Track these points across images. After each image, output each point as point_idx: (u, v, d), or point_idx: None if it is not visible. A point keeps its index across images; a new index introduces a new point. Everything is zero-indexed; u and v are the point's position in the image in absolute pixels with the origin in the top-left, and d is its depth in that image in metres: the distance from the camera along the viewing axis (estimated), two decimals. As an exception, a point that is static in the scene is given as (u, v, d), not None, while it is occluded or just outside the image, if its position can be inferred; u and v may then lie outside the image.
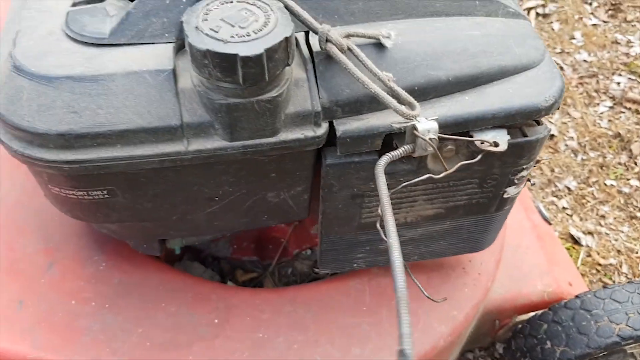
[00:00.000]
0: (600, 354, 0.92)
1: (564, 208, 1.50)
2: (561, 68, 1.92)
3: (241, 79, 0.52)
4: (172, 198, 0.66)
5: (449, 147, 0.68)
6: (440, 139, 0.63)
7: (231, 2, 0.56)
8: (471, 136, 0.67)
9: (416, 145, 0.62)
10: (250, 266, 1.02)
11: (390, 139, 0.66)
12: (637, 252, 1.40)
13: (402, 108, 0.58)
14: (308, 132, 0.61)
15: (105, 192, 0.63)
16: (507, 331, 1.08)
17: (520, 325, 1.03)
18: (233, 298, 0.83)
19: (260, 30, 0.53)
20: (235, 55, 0.50)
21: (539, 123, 0.73)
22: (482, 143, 0.66)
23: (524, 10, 2.16)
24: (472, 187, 0.75)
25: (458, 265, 0.97)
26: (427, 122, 0.61)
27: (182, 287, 0.82)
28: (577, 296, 0.97)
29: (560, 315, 0.95)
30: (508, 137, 0.67)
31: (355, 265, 0.86)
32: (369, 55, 0.62)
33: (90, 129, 0.56)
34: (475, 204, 0.78)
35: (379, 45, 0.63)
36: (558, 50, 1.99)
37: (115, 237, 0.79)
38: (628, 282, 0.97)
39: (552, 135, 1.69)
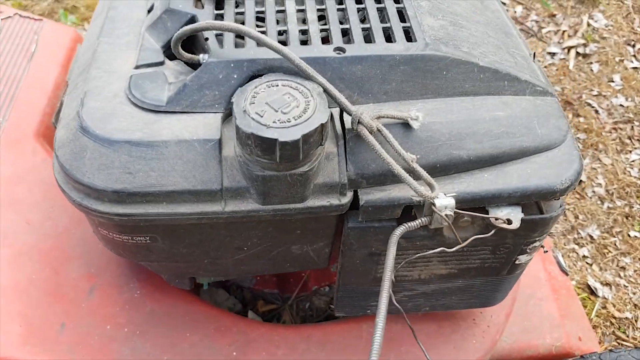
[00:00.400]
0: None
1: (584, 257, 1.52)
2: (596, 112, 1.92)
3: (278, 158, 0.58)
4: (205, 246, 0.73)
5: (465, 218, 0.72)
6: (456, 213, 0.68)
7: (277, 85, 0.62)
8: (487, 212, 0.71)
9: (433, 219, 0.68)
10: (271, 298, 1.08)
11: (409, 207, 0.71)
12: (654, 308, 1.42)
13: (421, 189, 0.63)
14: (334, 201, 0.67)
15: (147, 238, 0.70)
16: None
17: (525, 377, 1.06)
18: (252, 332, 0.90)
19: (300, 116, 0.59)
20: (275, 140, 0.56)
21: (557, 199, 0.77)
22: (496, 220, 0.70)
23: (564, 48, 2.17)
24: (485, 253, 0.79)
25: (469, 316, 1.01)
26: (445, 198, 0.66)
27: (206, 318, 0.89)
28: (582, 356, 0.99)
29: (566, 374, 0.98)
30: (522, 215, 0.71)
31: (368, 311, 0.91)
32: (397, 133, 0.67)
33: (141, 188, 0.62)
34: (488, 267, 0.82)
35: (407, 125, 0.68)
36: (595, 92, 1.99)
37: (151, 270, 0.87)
38: (635, 347, 0.99)
39: (581, 181, 1.71)
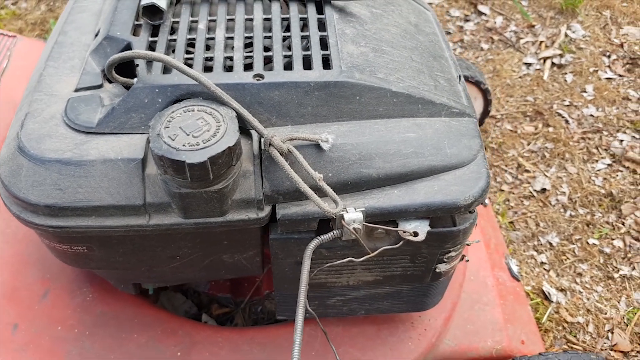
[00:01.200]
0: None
1: (542, 263, 1.57)
2: (566, 121, 1.96)
3: (189, 178, 0.65)
4: (140, 255, 0.79)
5: (380, 230, 0.78)
6: (367, 226, 0.74)
7: (193, 110, 0.69)
8: (396, 224, 0.77)
9: (343, 231, 0.74)
10: (225, 302, 1.15)
11: (328, 220, 0.77)
12: (605, 314, 1.46)
13: (324, 205, 0.69)
14: (251, 215, 0.73)
15: (84, 247, 0.77)
16: (455, 381, 1.16)
17: (463, 378, 1.12)
18: (197, 334, 0.96)
19: (209, 140, 0.65)
20: (184, 162, 0.63)
21: (471, 212, 0.82)
22: (403, 232, 0.76)
23: (540, 59, 2.21)
24: (405, 261, 0.85)
25: (408, 320, 1.07)
26: (353, 213, 0.72)
27: (153, 321, 0.95)
28: (512, 359, 1.05)
29: (496, 376, 1.04)
30: (428, 228, 0.77)
31: (307, 315, 0.97)
32: (310, 154, 0.73)
33: (71, 203, 0.69)
34: (410, 274, 0.88)
35: (319, 147, 0.74)
36: (567, 103, 2.03)
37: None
38: (563, 351, 1.05)
39: (544, 189, 1.75)
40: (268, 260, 0.90)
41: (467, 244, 0.89)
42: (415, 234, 0.76)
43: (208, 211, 0.71)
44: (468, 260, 1.05)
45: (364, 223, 0.73)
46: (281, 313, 0.96)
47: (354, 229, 0.72)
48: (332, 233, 0.74)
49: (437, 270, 0.87)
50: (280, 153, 0.70)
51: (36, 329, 0.90)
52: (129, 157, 0.70)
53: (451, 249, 0.83)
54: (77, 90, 0.78)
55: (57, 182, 0.69)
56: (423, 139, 0.78)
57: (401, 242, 0.77)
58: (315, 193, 0.70)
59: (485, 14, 2.42)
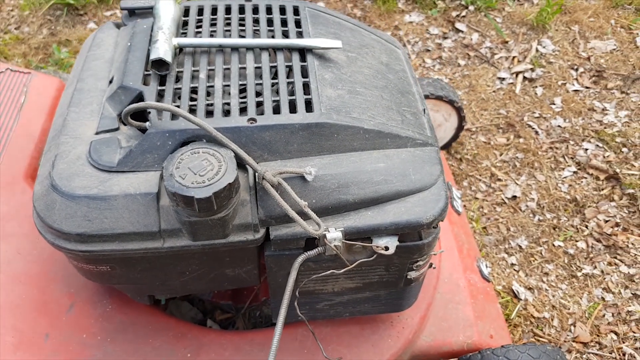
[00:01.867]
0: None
1: (512, 264, 1.72)
2: (536, 132, 2.12)
3: (197, 210, 0.79)
4: (155, 272, 0.94)
5: (357, 246, 0.93)
6: (346, 243, 0.89)
7: (198, 152, 0.83)
8: (370, 241, 0.92)
9: (326, 248, 0.88)
10: (227, 308, 1.29)
11: (314, 239, 0.91)
12: (569, 309, 1.61)
13: (309, 228, 0.84)
14: (249, 236, 0.87)
15: (108, 267, 0.91)
16: (432, 373, 1.31)
17: (438, 370, 1.27)
18: (204, 338, 1.10)
19: (213, 178, 0.79)
20: (192, 197, 0.77)
21: (434, 228, 0.97)
22: (376, 247, 0.91)
23: (513, 73, 2.37)
24: (381, 270, 1.00)
25: (388, 320, 1.21)
26: (334, 232, 0.87)
27: (166, 327, 1.09)
28: (479, 351, 1.20)
29: (465, 366, 1.19)
30: (397, 242, 0.92)
31: (299, 318, 1.12)
32: (296, 184, 0.88)
33: (98, 231, 0.83)
34: (386, 281, 1.03)
35: (304, 178, 0.88)
36: (537, 115, 2.19)
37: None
38: (524, 344, 1.20)
39: (515, 196, 1.91)
40: (264, 271, 1.04)
41: (433, 254, 1.04)
42: (387, 248, 0.91)
43: (213, 235, 0.85)
44: (435, 268, 1.19)
45: (343, 240, 0.87)
46: (277, 317, 1.10)
47: (334, 246, 0.87)
48: (316, 250, 0.89)
49: (408, 277, 1.02)
50: (271, 185, 0.85)
51: (65, 338, 1.03)
52: (146, 191, 0.84)
53: (419, 259, 0.98)
54: (97, 133, 0.92)
55: (86, 214, 0.83)
56: (391, 168, 0.93)
57: (375, 255, 0.92)
58: (301, 217, 0.84)
59: (462, 31, 2.58)
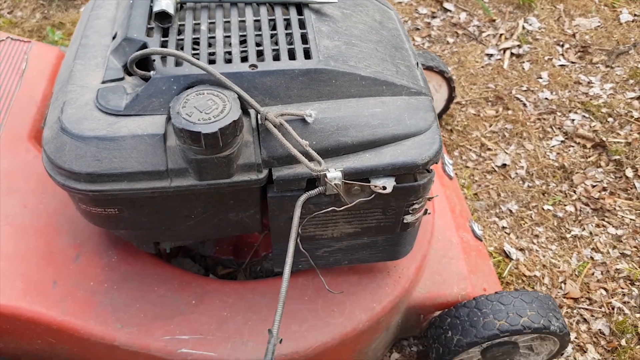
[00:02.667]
0: (486, 343, 1.20)
1: (503, 227, 1.77)
2: (524, 105, 2.18)
3: (204, 146, 0.83)
4: (161, 215, 0.97)
5: (355, 187, 0.97)
6: (345, 183, 0.93)
7: (203, 93, 0.87)
8: (369, 181, 0.96)
9: (327, 188, 0.92)
10: (228, 263, 1.33)
11: (314, 180, 0.95)
12: (559, 268, 1.67)
13: (311, 165, 0.88)
14: (252, 176, 0.91)
15: (115, 209, 0.94)
16: (428, 323, 1.36)
17: (434, 318, 1.31)
18: (208, 286, 1.14)
19: (218, 115, 0.83)
20: (199, 132, 0.81)
21: (428, 171, 1.02)
22: (375, 187, 0.95)
23: (500, 50, 2.42)
24: (378, 214, 1.04)
25: (385, 269, 1.26)
26: (334, 172, 0.91)
27: (170, 276, 1.13)
28: (474, 298, 1.25)
29: (460, 311, 1.23)
30: (394, 183, 0.96)
31: (300, 266, 1.16)
32: (297, 126, 0.92)
33: (107, 171, 0.87)
34: (383, 226, 1.07)
35: (304, 120, 0.92)
36: (524, 88, 2.25)
37: (123, 239, 1.11)
38: (516, 290, 1.25)
39: (505, 165, 1.96)
40: (265, 226, 1.08)
41: (429, 198, 1.08)
42: (384, 188, 0.95)
43: (218, 174, 0.89)
44: (429, 213, 1.23)
45: (343, 180, 0.92)
46: (278, 265, 1.14)
47: (335, 184, 0.91)
48: (317, 189, 0.92)
49: (405, 221, 1.07)
50: (274, 125, 0.88)
51: (72, 284, 1.07)
52: (153, 132, 0.88)
53: (414, 202, 1.02)
54: (103, 82, 0.95)
55: (96, 154, 0.87)
56: (387, 113, 0.97)
57: (373, 195, 0.96)
58: (303, 157, 0.88)
59: (450, 11, 2.63)
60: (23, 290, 1.04)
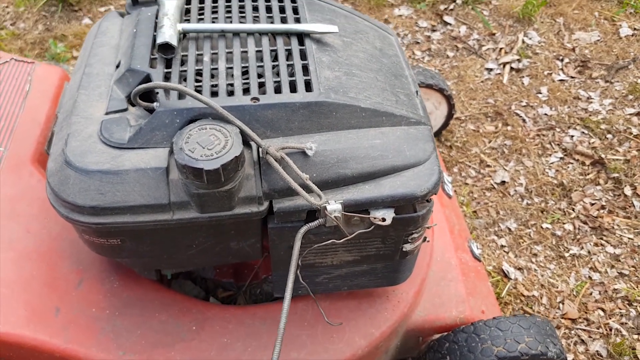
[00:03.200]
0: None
1: (502, 246, 1.78)
2: (523, 120, 2.19)
3: (206, 181, 0.84)
4: (162, 245, 0.98)
5: (355, 218, 0.98)
6: (345, 214, 0.94)
7: (205, 128, 0.88)
8: (368, 213, 0.97)
9: (327, 219, 0.93)
10: (228, 286, 1.34)
11: (314, 212, 0.96)
12: (557, 287, 1.68)
13: (311, 199, 0.89)
14: (254, 209, 0.92)
15: (118, 240, 0.95)
16: (427, 346, 1.37)
17: (433, 342, 1.32)
18: (208, 312, 1.15)
19: (220, 151, 0.84)
20: (202, 169, 0.82)
21: (428, 201, 1.03)
22: (374, 218, 0.96)
23: (500, 64, 2.44)
24: (377, 243, 1.05)
25: (384, 294, 1.27)
26: (334, 204, 0.92)
27: (171, 302, 1.14)
28: (472, 323, 1.26)
29: (458, 336, 1.24)
30: (393, 214, 0.97)
31: (300, 292, 1.17)
32: (298, 159, 0.93)
33: (110, 204, 0.88)
34: (382, 254, 1.08)
35: (305, 153, 0.93)
36: (524, 103, 2.26)
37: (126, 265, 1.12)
38: (514, 315, 1.26)
39: (504, 182, 1.97)
40: (265, 249, 1.09)
41: (428, 227, 1.09)
42: (384, 220, 0.96)
43: (220, 207, 0.90)
44: (429, 241, 1.25)
45: (343, 212, 0.93)
46: (278, 291, 1.15)
47: (334, 217, 0.92)
48: (318, 221, 0.94)
49: (404, 249, 1.08)
50: (275, 159, 0.90)
51: (75, 311, 1.08)
52: (156, 166, 0.89)
53: (413, 231, 1.03)
54: (107, 113, 0.96)
55: (99, 188, 0.88)
56: (387, 144, 0.98)
57: (373, 227, 0.97)
58: (303, 190, 0.89)
59: (450, 24, 2.65)
60: (26, 317, 1.05)
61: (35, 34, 2.55)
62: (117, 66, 1.05)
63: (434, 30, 2.62)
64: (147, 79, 0.98)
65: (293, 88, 0.97)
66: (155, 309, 1.12)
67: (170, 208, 0.89)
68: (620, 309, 1.62)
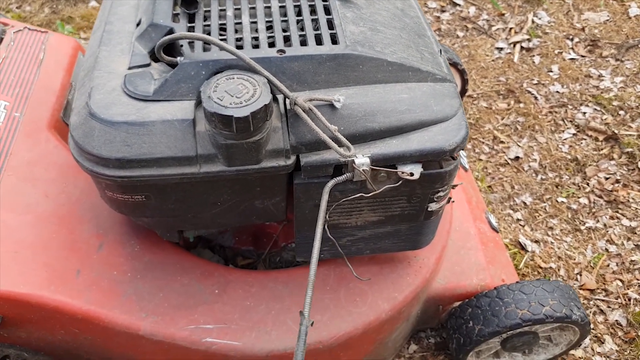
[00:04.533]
0: (508, 332, 1.20)
1: (518, 219, 1.77)
2: (535, 98, 2.18)
3: (235, 130, 0.82)
4: (188, 202, 0.97)
5: (382, 174, 0.96)
6: (373, 169, 0.92)
7: (233, 78, 0.86)
8: (396, 168, 0.96)
9: (354, 174, 0.92)
10: (248, 254, 1.32)
11: (340, 167, 0.95)
12: (574, 259, 1.66)
13: (341, 150, 0.88)
14: (281, 162, 0.91)
15: (143, 196, 0.94)
16: (448, 314, 1.36)
17: (454, 309, 1.31)
18: (230, 275, 1.14)
19: (249, 99, 0.83)
20: (231, 117, 0.80)
21: (454, 159, 1.01)
22: (402, 173, 0.95)
23: (510, 43, 2.42)
24: (403, 201, 1.04)
25: (405, 259, 1.25)
26: (362, 158, 0.90)
27: (193, 266, 1.12)
28: (495, 288, 1.24)
29: (481, 301, 1.23)
30: (421, 169, 0.95)
31: (322, 255, 1.15)
32: (325, 111, 0.91)
33: (137, 156, 0.86)
34: (407, 214, 1.07)
35: (333, 106, 0.92)
36: (535, 81, 2.24)
37: (147, 227, 1.10)
38: (537, 279, 1.24)
39: (518, 157, 1.96)
40: (290, 207, 1.08)
41: (453, 186, 1.08)
42: (412, 174, 0.94)
43: (247, 159, 0.88)
44: (454, 202, 1.23)
45: (371, 166, 0.91)
46: (300, 254, 1.14)
47: (362, 170, 0.90)
48: (345, 175, 0.92)
49: (429, 209, 1.06)
50: (303, 110, 0.88)
51: (96, 274, 1.06)
52: (183, 117, 0.87)
53: (439, 189, 1.02)
54: (130, 68, 0.95)
55: (125, 140, 0.86)
56: (414, 99, 0.96)
57: (400, 182, 0.95)
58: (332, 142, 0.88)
59: (459, 5, 2.63)
60: (47, 279, 1.03)
61: (42, 16, 2.53)
62: (138, 24, 1.03)
63: (443, 11, 2.60)
64: (170, 33, 0.96)
65: (319, 41, 0.96)
66: (177, 272, 1.11)
67: (197, 161, 0.88)
68: (638, 279, 1.61)
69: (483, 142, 2.01)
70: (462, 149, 0.98)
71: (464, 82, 1.92)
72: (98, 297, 1.04)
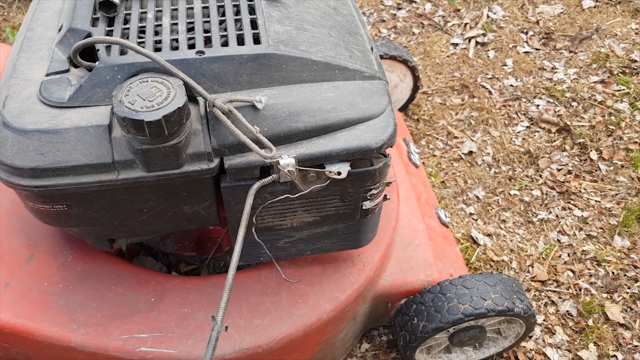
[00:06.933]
0: (452, 327, 1.20)
1: (470, 214, 1.78)
2: (489, 92, 2.19)
3: (149, 135, 0.80)
4: (111, 210, 0.94)
5: (312, 174, 0.95)
6: (300, 169, 0.91)
7: (147, 81, 0.84)
8: (323, 167, 0.95)
9: (280, 175, 0.91)
10: (191, 260, 1.30)
11: (268, 169, 0.93)
12: (526, 251, 1.68)
13: (261, 151, 0.86)
14: (203, 166, 0.89)
15: (64, 206, 0.91)
16: (396, 311, 1.35)
17: (401, 306, 1.31)
18: (168, 283, 1.11)
19: (162, 103, 0.81)
20: (142, 121, 0.78)
21: (384, 156, 1.01)
22: (330, 172, 0.94)
23: (465, 39, 2.43)
24: (336, 201, 1.03)
25: (349, 258, 1.25)
26: (287, 158, 0.89)
27: (128, 274, 1.10)
28: (438, 283, 1.24)
29: (425, 297, 1.23)
30: (349, 168, 0.95)
31: (262, 258, 1.14)
32: (247, 113, 0.90)
33: (51, 165, 0.84)
34: (342, 213, 1.06)
35: (255, 107, 0.91)
36: (489, 76, 2.26)
37: (78, 237, 1.08)
38: (480, 273, 1.25)
39: (471, 152, 1.97)
40: (226, 221, 1.06)
41: (387, 184, 1.07)
42: (339, 173, 0.94)
43: (166, 164, 0.86)
44: (389, 199, 1.23)
45: (297, 167, 0.90)
46: (240, 259, 1.12)
47: (288, 171, 0.89)
48: (271, 177, 0.91)
49: (363, 207, 1.06)
50: (222, 112, 0.87)
51: (25, 286, 1.03)
52: (97, 123, 0.85)
53: (372, 187, 1.01)
54: (47, 75, 0.92)
55: (39, 148, 0.84)
56: (340, 98, 0.96)
57: (329, 181, 0.94)
58: (254, 144, 0.86)
59: (415, 2, 2.64)
60: (-28, 293, 1.00)
61: (-9, 24, 2.47)
62: (60, 29, 1.01)
63: (399, 8, 2.61)
64: (88, 37, 0.94)
65: (241, 41, 0.94)
66: (112, 281, 1.08)
67: (114, 167, 0.86)
68: (589, 269, 1.63)
69: (437, 138, 2.02)
70: (391, 146, 0.98)
71: (416, 78, 1.92)
72: (27, 310, 1.02)
